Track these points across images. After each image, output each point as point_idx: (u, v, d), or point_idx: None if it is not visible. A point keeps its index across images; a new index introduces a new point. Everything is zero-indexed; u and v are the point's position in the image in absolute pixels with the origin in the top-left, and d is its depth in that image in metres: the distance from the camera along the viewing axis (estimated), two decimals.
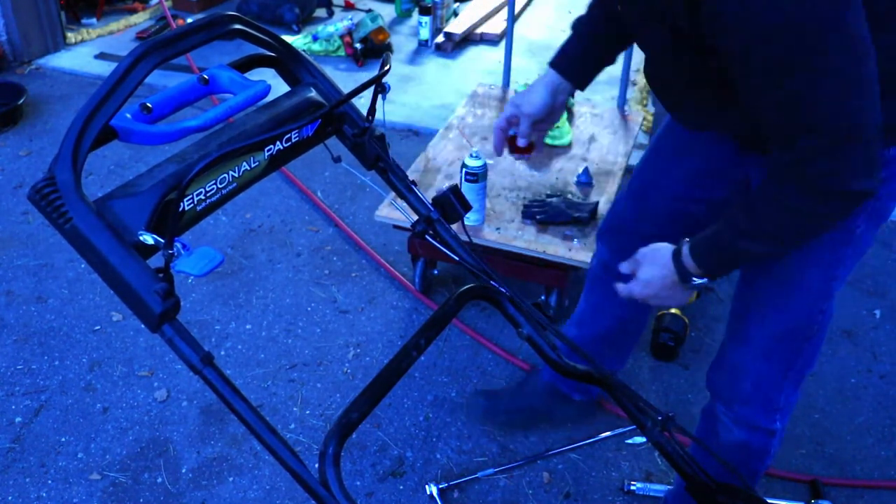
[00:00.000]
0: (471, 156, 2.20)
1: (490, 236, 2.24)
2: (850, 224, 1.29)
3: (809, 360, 1.45)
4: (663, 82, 1.38)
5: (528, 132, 1.55)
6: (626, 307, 1.78)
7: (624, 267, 1.40)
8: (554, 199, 2.35)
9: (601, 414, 2.13)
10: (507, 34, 3.17)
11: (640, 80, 3.84)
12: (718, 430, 1.56)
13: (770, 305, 1.41)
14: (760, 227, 1.20)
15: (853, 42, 1.02)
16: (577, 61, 1.54)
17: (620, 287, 1.40)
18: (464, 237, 1.31)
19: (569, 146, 2.69)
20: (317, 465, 1.01)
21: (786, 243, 1.24)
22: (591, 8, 1.54)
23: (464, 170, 2.19)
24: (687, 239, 1.30)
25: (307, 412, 2.14)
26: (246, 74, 1.22)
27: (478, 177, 2.19)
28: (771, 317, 1.41)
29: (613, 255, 1.73)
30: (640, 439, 2.05)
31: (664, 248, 1.33)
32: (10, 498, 1.89)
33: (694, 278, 1.29)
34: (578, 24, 1.55)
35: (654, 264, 1.33)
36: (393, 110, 3.67)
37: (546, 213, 2.29)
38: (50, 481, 1.94)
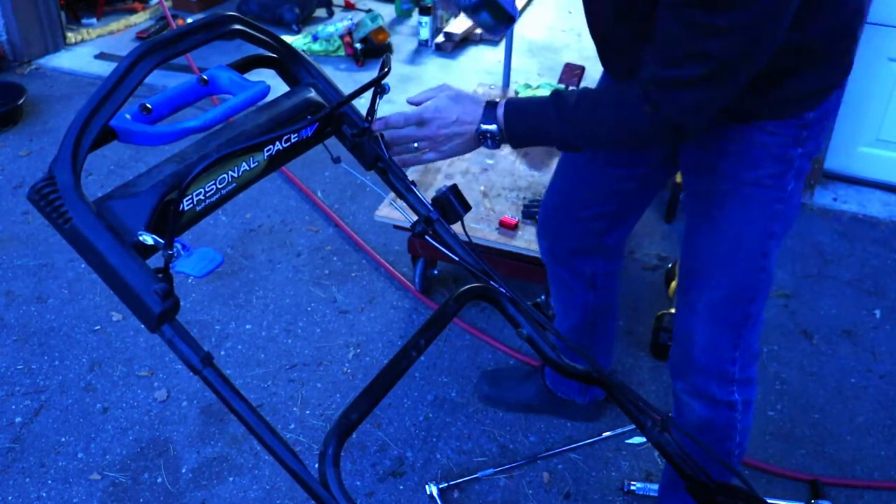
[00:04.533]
0: None
1: (490, 236, 2.25)
2: (783, 181, 1.34)
3: (755, 324, 1.47)
4: (603, 36, 1.39)
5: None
6: (589, 293, 1.84)
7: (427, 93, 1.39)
8: None
9: (602, 414, 2.12)
10: (507, 34, 3.17)
11: None
12: (683, 411, 1.57)
13: (711, 267, 1.44)
14: (585, 121, 1.25)
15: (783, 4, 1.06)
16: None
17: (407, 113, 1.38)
18: (463, 237, 1.31)
19: None
20: (317, 465, 1.01)
21: (588, 143, 1.31)
22: None
23: None
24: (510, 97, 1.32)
25: (307, 412, 2.14)
26: (246, 75, 1.22)
27: None
28: (714, 280, 1.44)
29: (556, 243, 1.78)
30: (640, 439, 2.05)
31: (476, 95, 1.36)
32: (10, 498, 1.89)
33: (488, 127, 1.31)
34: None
35: (462, 99, 1.34)
36: (393, 110, 3.66)
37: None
38: (50, 481, 1.94)
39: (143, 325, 0.98)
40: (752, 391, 1.54)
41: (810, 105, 1.30)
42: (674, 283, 2.47)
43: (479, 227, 2.27)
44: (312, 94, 1.25)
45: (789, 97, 1.28)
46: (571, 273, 1.81)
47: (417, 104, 1.38)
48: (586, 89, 1.29)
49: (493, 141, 1.32)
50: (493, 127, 1.30)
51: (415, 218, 1.31)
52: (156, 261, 0.96)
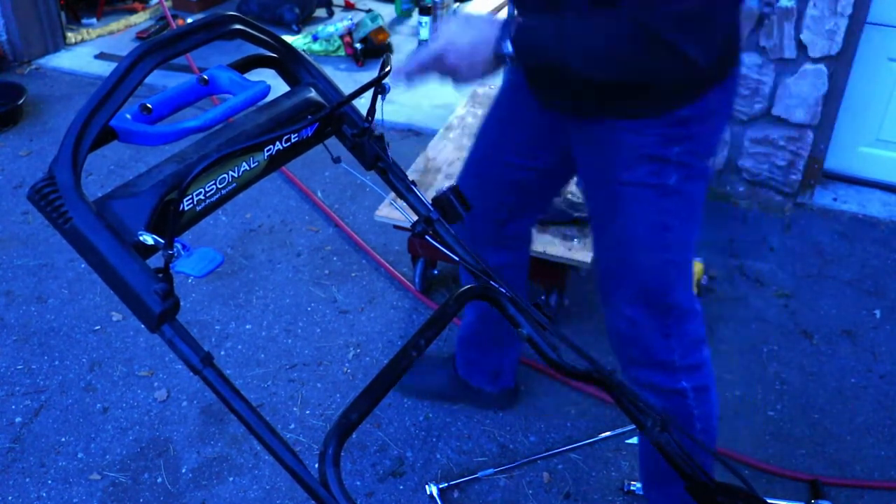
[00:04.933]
0: None
1: None
2: (663, 177, 1.36)
3: (685, 311, 1.50)
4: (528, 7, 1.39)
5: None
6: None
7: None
8: (554, 199, 2.35)
9: (514, 403, 2.13)
10: None
11: None
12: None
13: (616, 269, 1.48)
14: (579, 37, 1.21)
15: None
16: None
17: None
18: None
19: None
20: (317, 465, 1.01)
21: (585, 64, 1.24)
22: None
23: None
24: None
25: (307, 412, 2.14)
26: (246, 74, 1.22)
27: None
28: (623, 280, 1.47)
29: (460, 233, 1.81)
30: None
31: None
32: (10, 498, 1.89)
33: (504, 48, 1.24)
34: None
35: (474, 23, 1.28)
36: (393, 110, 3.67)
37: (546, 212, 2.29)
38: (50, 481, 1.94)
39: (143, 325, 0.98)
40: (703, 376, 1.56)
41: (680, 101, 1.31)
42: None
43: None
44: (313, 94, 1.25)
45: (657, 90, 1.29)
46: None
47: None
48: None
49: (512, 61, 1.27)
50: (509, 47, 1.24)
51: (415, 218, 1.31)
52: (156, 261, 0.96)
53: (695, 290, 2.43)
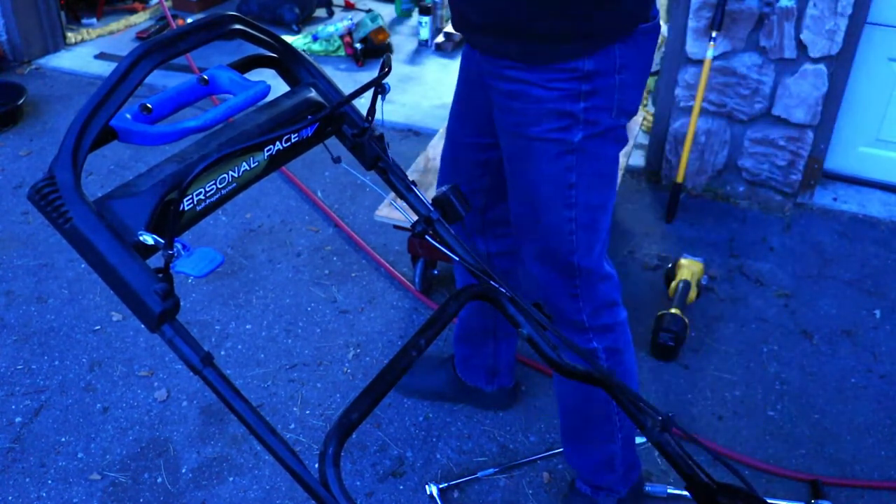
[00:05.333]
0: None
1: None
2: (569, 134, 1.39)
3: (592, 274, 1.53)
4: None
5: None
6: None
7: None
8: None
9: (512, 403, 2.14)
10: None
11: None
12: None
13: (525, 225, 1.52)
14: None
15: None
16: None
17: None
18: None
19: None
20: (317, 465, 1.01)
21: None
22: None
23: None
24: None
25: (307, 412, 2.14)
26: (246, 74, 1.22)
27: None
28: (530, 235, 1.52)
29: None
30: (640, 439, 2.04)
31: None
32: (10, 498, 1.89)
33: None
34: None
35: None
36: (393, 110, 3.67)
37: None
38: (50, 481, 1.94)
39: (143, 325, 0.98)
40: (615, 338, 1.60)
41: (577, 51, 1.32)
42: (673, 284, 2.47)
43: None
44: (313, 93, 1.25)
45: (553, 32, 1.31)
46: None
47: None
48: None
49: None
50: None
51: (415, 218, 1.31)
52: (156, 261, 0.96)
53: (694, 290, 2.43)
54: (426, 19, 4.37)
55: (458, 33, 4.34)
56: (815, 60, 2.75)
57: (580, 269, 1.52)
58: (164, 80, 3.37)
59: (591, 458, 1.77)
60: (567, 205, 1.45)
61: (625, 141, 1.48)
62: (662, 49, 3.03)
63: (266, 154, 1.14)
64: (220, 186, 1.08)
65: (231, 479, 1.95)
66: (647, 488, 1.90)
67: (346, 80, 3.95)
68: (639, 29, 1.37)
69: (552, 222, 1.47)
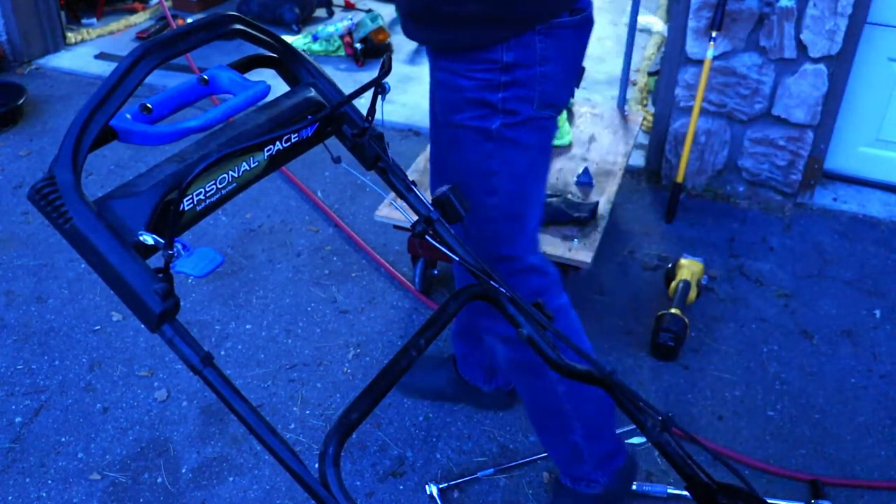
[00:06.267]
0: None
1: None
2: (487, 121, 1.41)
3: (515, 264, 1.57)
4: None
5: None
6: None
7: None
8: (554, 199, 2.35)
9: (512, 403, 2.14)
10: None
11: (641, 80, 3.84)
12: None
13: None
14: None
15: None
16: None
17: None
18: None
19: (569, 146, 2.69)
20: (317, 465, 1.01)
21: None
22: None
23: None
24: None
25: (307, 412, 2.14)
26: (246, 74, 1.22)
27: None
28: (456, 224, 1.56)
29: None
30: (640, 439, 2.05)
31: None
32: (10, 498, 1.89)
33: None
34: None
35: None
36: (393, 110, 3.67)
37: (546, 212, 2.29)
38: (50, 481, 1.94)
39: (143, 325, 0.98)
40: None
41: (495, 37, 1.34)
42: (673, 284, 2.47)
43: None
44: (313, 93, 1.25)
45: (467, 15, 1.32)
46: None
47: None
48: None
49: None
50: None
51: (415, 218, 1.31)
52: (156, 261, 0.96)
53: (694, 290, 2.43)
54: None
55: None
56: (815, 60, 2.75)
57: (502, 257, 1.55)
58: (164, 80, 3.37)
59: (559, 449, 1.79)
60: (488, 191, 1.48)
61: (550, 132, 1.51)
62: (662, 49, 3.04)
63: (266, 154, 1.14)
64: (220, 186, 1.08)
65: (231, 479, 1.95)
66: (647, 488, 1.90)
67: (346, 80, 3.95)
68: (563, 21, 1.38)
69: (473, 210, 1.48)
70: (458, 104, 1.42)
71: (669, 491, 1.90)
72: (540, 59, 1.38)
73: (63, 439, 2.05)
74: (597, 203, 2.34)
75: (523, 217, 1.55)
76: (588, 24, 1.45)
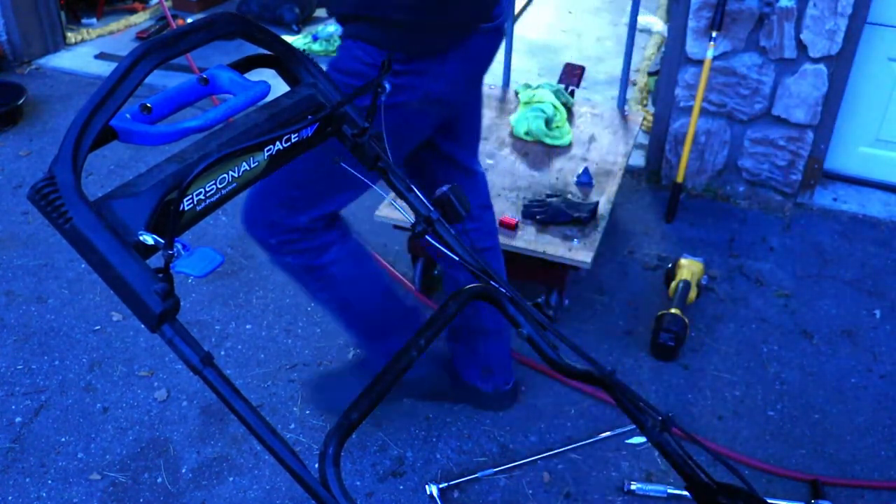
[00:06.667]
0: None
1: None
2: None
3: (285, 229, 1.77)
4: None
5: None
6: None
7: None
8: (554, 199, 2.35)
9: (513, 403, 2.13)
10: (507, 34, 3.17)
11: (640, 80, 3.84)
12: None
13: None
14: None
15: None
16: None
17: None
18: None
19: (569, 146, 2.69)
20: (317, 465, 1.01)
21: None
22: None
23: None
24: None
25: (307, 412, 2.14)
26: (246, 74, 1.22)
27: None
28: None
29: None
30: (640, 439, 2.05)
31: None
32: (10, 498, 1.89)
33: None
34: None
35: None
36: None
37: (546, 212, 2.29)
38: (50, 481, 1.94)
39: (143, 325, 0.98)
40: (327, 285, 1.80)
41: (380, 40, 1.58)
42: (673, 284, 2.47)
43: None
44: (313, 93, 1.25)
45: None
46: None
47: None
48: None
49: None
50: None
51: (415, 218, 1.31)
52: (156, 261, 0.96)
53: (694, 290, 2.43)
54: None
55: None
56: (815, 60, 2.75)
57: (277, 224, 1.82)
58: (164, 80, 3.37)
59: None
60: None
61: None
62: (662, 49, 3.04)
63: (266, 154, 1.14)
64: (220, 186, 1.08)
65: (231, 479, 1.95)
66: (647, 488, 1.91)
67: None
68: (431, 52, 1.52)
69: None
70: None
71: (669, 491, 1.90)
72: (427, 72, 1.53)
73: (63, 439, 2.05)
74: (597, 203, 2.35)
75: (295, 197, 1.73)
76: (497, 33, 1.61)
